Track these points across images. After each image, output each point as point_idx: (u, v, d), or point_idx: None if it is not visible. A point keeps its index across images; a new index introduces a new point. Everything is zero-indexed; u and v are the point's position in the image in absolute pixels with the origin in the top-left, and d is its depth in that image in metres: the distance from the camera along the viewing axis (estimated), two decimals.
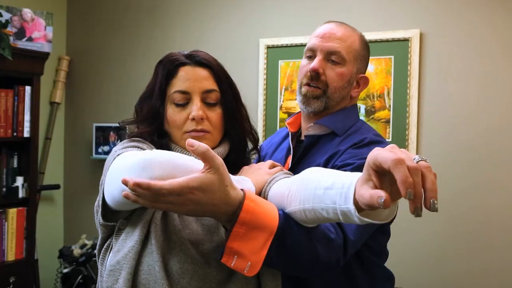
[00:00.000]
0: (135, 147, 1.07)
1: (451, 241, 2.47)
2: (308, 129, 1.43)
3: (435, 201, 0.68)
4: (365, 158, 1.22)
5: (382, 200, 0.68)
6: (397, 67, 2.57)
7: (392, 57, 2.58)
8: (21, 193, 2.85)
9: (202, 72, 1.13)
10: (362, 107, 2.64)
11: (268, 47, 2.87)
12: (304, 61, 1.45)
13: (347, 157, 1.26)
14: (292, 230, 0.95)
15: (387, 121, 2.59)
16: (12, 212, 2.80)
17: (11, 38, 2.74)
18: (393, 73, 2.58)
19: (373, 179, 0.73)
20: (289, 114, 2.82)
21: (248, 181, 1.03)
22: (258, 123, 2.86)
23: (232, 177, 0.96)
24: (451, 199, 2.45)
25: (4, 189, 2.82)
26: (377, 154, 0.72)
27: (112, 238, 1.06)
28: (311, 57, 1.43)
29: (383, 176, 0.73)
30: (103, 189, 1.03)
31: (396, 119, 2.57)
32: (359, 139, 1.32)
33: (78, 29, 3.52)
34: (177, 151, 1.12)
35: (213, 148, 1.10)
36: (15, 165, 2.88)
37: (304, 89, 1.41)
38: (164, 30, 3.21)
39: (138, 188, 0.83)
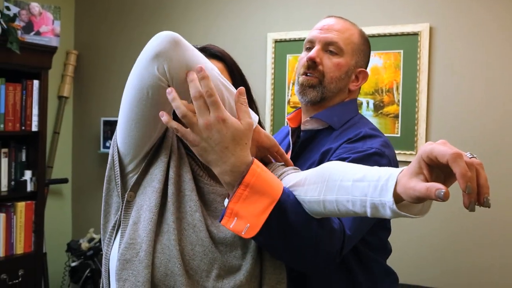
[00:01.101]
0: None
1: (455, 237, 2.45)
2: (305, 123, 1.43)
3: (488, 198, 0.70)
4: (360, 152, 1.23)
5: (442, 192, 0.69)
6: (406, 62, 2.55)
7: (401, 51, 2.56)
8: (29, 187, 2.86)
9: (216, 65, 1.11)
10: (370, 102, 2.62)
11: (276, 42, 2.86)
12: (303, 53, 1.46)
13: (342, 152, 1.26)
14: (297, 211, 0.95)
15: (396, 116, 2.57)
16: (21, 205, 2.81)
17: (19, 32, 2.74)
18: (402, 67, 2.56)
19: (424, 172, 0.74)
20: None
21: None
22: (266, 117, 2.85)
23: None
24: (458, 194, 2.43)
25: (12, 183, 2.83)
26: (432, 148, 0.72)
27: (121, 214, 1.06)
28: (309, 49, 1.44)
29: (432, 170, 0.75)
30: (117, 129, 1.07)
31: (405, 114, 2.55)
32: (354, 133, 1.32)
33: (86, 23, 3.52)
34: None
35: None
36: (23, 158, 2.89)
37: (301, 78, 1.42)
38: (171, 24, 3.20)
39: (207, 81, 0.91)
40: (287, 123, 1.56)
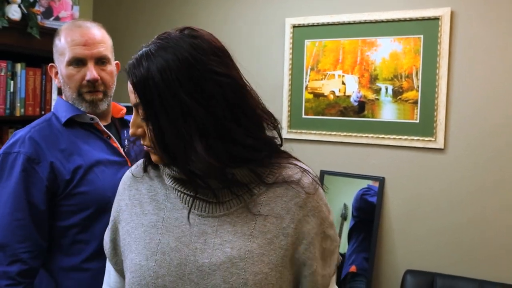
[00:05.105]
0: None
1: (477, 226, 2.43)
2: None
3: None
4: None
5: None
6: (427, 47, 2.51)
7: (422, 36, 2.52)
8: None
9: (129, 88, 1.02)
10: (389, 88, 2.59)
11: (294, 27, 2.83)
12: (70, 68, 1.51)
13: None
14: None
15: (415, 102, 2.54)
16: None
17: (39, 17, 2.76)
18: (422, 52, 2.52)
19: None
20: (315, 95, 2.79)
21: None
22: (284, 103, 2.84)
23: None
24: (481, 182, 2.41)
25: None
26: None
27: None
28: (78, 64, 1.52)
29: None
30: None
31: (424, 100, 2.52)
32: None
33: (104, 9, 3.53)
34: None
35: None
36: None
37: (87, 96, 1.55)
38: (190, 9, 3.19)
39: None
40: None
